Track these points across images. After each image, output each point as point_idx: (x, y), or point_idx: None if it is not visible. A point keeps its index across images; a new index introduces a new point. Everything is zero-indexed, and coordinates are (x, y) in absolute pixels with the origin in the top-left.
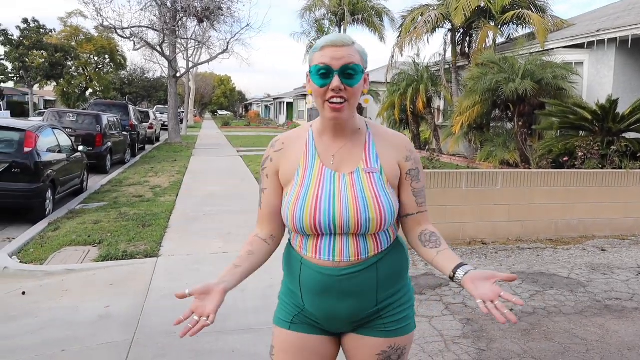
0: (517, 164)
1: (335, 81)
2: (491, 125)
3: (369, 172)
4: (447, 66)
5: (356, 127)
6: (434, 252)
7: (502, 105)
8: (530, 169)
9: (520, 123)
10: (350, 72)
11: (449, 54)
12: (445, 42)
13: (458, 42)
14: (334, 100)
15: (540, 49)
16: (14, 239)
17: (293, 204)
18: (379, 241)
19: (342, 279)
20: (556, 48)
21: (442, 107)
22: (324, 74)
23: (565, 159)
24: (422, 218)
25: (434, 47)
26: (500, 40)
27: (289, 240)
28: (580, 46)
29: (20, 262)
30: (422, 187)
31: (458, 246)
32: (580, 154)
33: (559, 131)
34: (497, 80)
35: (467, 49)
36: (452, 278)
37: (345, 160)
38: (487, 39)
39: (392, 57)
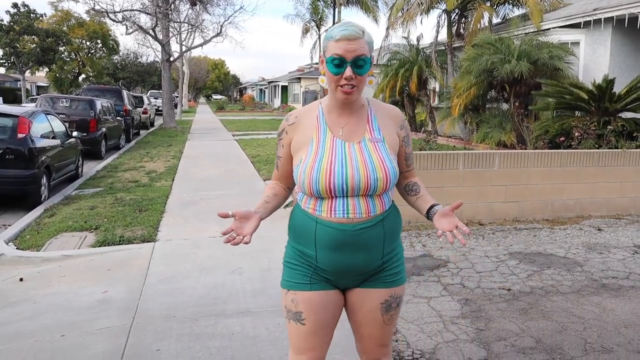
0: (514, 145)
1: (348, 71)
2: (487, 106)
3: (373, 142)
4: (442, 47)
5: (360, 104)
6: (414, 198)
7: (498, 86)
8: (526, 149)
9: (516, 104)
10: (360, 63)
11: (442, 36)
12: (438, 24)
13: (453, 22)
14: (346, 86)
15: (536, 30)
16: (10, 225)
17: (309, 170)
18: (383, 202)
19: (355, 233)
20: (552, 28)
21: (437, 89)
22: (338, 64)
23: (562, 139)
24: (409, 174)
25: (428, 28)
26: (496, 20)
27: (298, 205)
28: (576, 26)
29: (16, 248)
30: (411, 151)
31: None
32: (576, 134)
33: (555, 111)
34: (493, 61)
35: (462, 30)
36: (428, 218)
37: (352, 133)
38: (482, 20)
39: (386, 37)
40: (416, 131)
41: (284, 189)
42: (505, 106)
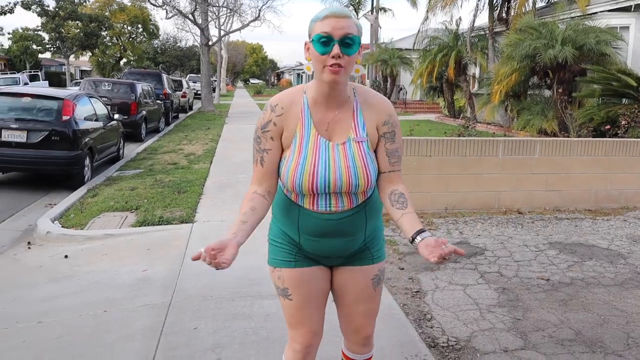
0: (556, 133)
1: (336, 49)
2: (528, 93)
3: (358, 142)
4: (481, 32)
5: (347, 96)
6: (399, 213)
7: (541, 72)
8: (569, 137)
9: (559, 90)
10: (348, 42)
11: (483, 20)
12: (476, 7)
13: (495, 6)
14: (334, 65)
15: (583, 14)
16: (55, 204)
17: (293, 171)
18: (365, 192)
19: (339, 222)
20: (600, 12)
21: (477, 75)
22: (325, 42)
23: (608, 127)
24: (393, 177)
25: (468, 11)
26: (540, 4)
27: (281, 188)
28: (626, 9)
29: (62, 227)
30: (396, 149)
31: (493, 215)
32: (623, 122)
33: (600, 99)
34: (536, 46)
35: (504, 14)
36: (411, 242)
37: (337, 129)
38: (526, 3)
39: (425, 21)
40: (454, 117)
41: (264, 197)
42: (547, 93)
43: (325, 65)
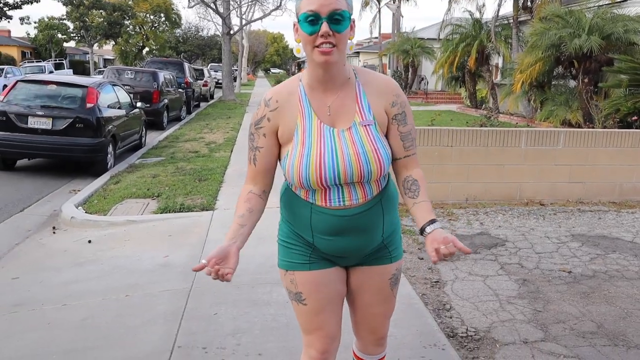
0: (580, 124)
1: (324, 27)
2: (552, 83)
3: (365, 125)
4: (505, 22)
5: (346, 77)
6: (411, 202)
7: (566, 62)
8: (594, 128)
9: (585, 80)
10: (338, 18)
11: (507, 10)
12: None
13: None
14: (323, 46)
15: (611, 2)
16: (79, 190)
17: (297, 164)
18: (380, 183)
19: (355, 217)
20: None
21: (500, 65)
22: (312, 20)
23: (634, 118)
24: (409, 162)
25: (491, 1)
26: None
27: (288, 186)
28: None
29: (85, 212)
30: (409, 131)
31: (514, 206)
32: None
33: (627, 89)
34: (561, 35)
35: (529, 3)
36: (421, 233)
37: (340, 114)
38: None
39: (448, 11)
40: (476, 108)
41: (259, 197)
42: (572, 83)
43: (315, 46)
